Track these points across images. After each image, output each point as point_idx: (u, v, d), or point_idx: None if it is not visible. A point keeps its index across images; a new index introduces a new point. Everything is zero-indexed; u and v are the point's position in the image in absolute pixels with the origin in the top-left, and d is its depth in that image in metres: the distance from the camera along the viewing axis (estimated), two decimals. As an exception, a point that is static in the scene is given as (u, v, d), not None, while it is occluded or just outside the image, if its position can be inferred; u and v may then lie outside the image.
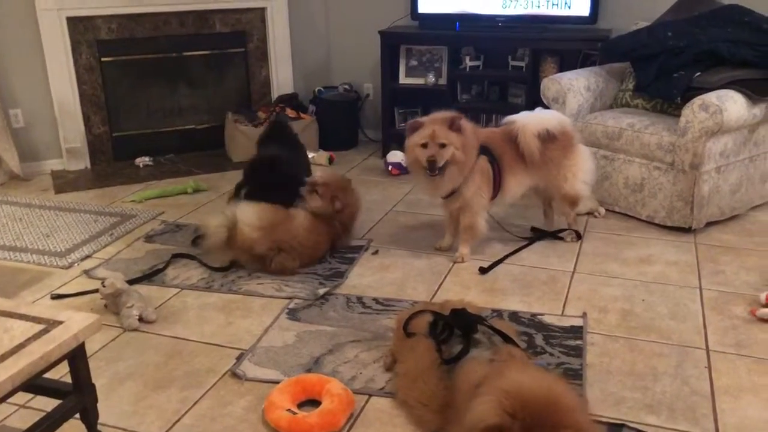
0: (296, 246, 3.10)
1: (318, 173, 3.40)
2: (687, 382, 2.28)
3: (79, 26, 4.50)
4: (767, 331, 2.57)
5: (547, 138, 3.16)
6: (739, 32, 3.53)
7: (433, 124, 2.97)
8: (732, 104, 3.23)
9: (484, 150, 3.11)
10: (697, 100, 3.24)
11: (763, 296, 2.71)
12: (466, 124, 3.05)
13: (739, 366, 2.37)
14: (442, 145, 2.95)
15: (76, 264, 3.27)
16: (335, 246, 3.31)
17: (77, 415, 1.90)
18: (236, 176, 4.47)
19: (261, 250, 3.06)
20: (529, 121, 3.17)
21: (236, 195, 3.51)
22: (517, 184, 3.22)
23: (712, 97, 3.23)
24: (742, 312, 2.71)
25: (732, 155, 3.41)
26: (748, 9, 3.64)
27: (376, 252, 3.34)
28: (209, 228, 3.15)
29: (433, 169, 2.96)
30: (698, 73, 3.44)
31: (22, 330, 1.76)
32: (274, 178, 3.35)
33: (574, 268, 3.12)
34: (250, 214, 3.10)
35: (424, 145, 2.96)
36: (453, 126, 2.97)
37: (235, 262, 3.16)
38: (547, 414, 1.52)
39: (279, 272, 3.07)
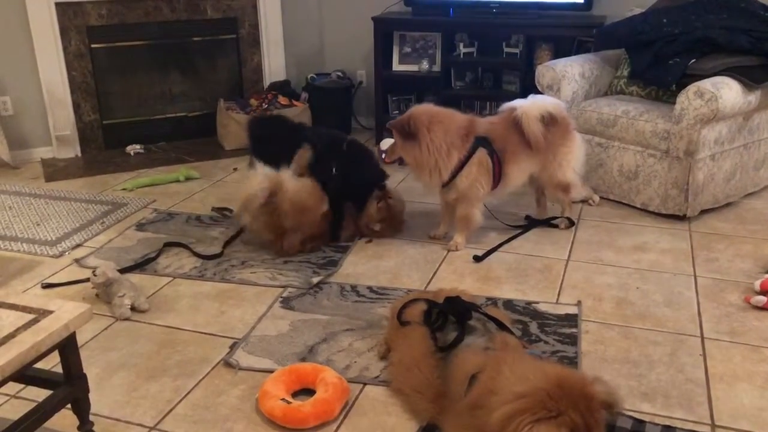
0: (308, 233, 3.15)
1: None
2: (682, 370, 2.28)
3: (68, 12, 4.44)
4: (761, 319, 2.57)
5: (549, 121, 3.15)
6: (735, 19, 3.51)
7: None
8: (727, 91, 3.21)
9: (483, 141, 3.09)
10: (693, 87, 3.23)
11: (757, 284, 2.71)
12: (437, 121, 3.03)
13: (734, 354, 2.37)
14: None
15: (66, 253, 3.24)
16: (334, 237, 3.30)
17: (69, 406, 1.88)
18: (228, 164, 4.49)
19: (287, 224, 3.09)
20: (531, 106, 3.15)
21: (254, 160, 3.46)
22: (519, 172, 3.20)
23: (707, 84, 3.21)
24: (737, 299, 2.71)
25: (726, 142, 3.41)
26: (744, -5, 3.62)
27: (370, 240, 3.32)
28: (252, 188, 3.14)
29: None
30: (693, 60, 3.42)
31: (12, 320, 1.74)
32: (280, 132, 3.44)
33: (569, 256, 3.12)
34: (295, 183, 3.15)
35: None
36: (402, 130, 3.06)
37: (228, 245, 3.23)
38: (573, 386, 1.51)
39: (287, 253, 3.13)
